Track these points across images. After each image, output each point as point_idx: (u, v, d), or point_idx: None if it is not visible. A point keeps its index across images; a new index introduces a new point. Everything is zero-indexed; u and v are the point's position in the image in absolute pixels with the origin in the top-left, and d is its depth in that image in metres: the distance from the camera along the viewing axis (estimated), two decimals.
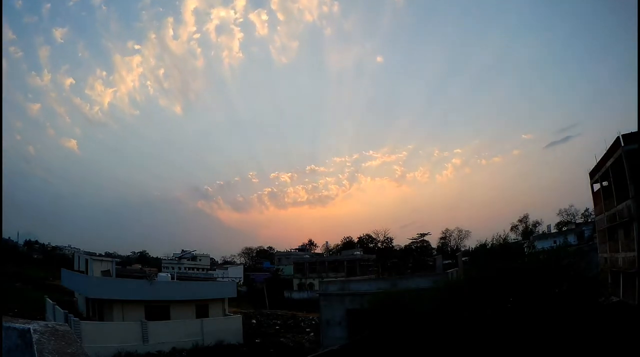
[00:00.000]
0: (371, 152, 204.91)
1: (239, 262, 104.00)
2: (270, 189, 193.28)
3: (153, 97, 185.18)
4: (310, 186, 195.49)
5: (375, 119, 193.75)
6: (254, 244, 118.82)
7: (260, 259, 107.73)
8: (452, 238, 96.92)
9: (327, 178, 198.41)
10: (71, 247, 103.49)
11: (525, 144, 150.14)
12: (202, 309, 26.99)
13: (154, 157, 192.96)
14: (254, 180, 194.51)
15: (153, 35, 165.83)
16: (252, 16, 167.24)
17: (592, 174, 27.25)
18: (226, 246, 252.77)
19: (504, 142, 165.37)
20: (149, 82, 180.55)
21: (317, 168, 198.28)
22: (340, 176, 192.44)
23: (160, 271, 54.43)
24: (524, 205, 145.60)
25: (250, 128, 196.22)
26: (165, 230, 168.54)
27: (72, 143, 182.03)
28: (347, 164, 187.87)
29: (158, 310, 24.65)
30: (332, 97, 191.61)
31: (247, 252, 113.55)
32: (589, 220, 63.09)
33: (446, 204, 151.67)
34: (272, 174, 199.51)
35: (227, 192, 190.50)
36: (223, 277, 62.13)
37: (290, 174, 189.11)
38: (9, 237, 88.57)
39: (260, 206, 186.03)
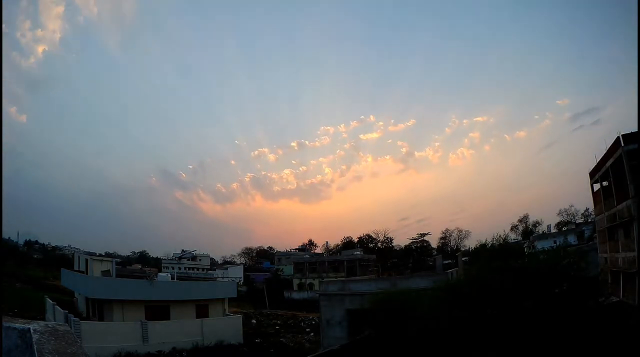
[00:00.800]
0: (372, 117, 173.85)
1: (239, 262, 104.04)
2: (252, 175, 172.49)
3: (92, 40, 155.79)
4: (300, 169, 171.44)
5: (375, 76, 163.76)
6: (249, 243, 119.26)
7: (260, 259, 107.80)
8: (452, 238, 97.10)
9: (319, 158, 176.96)
10: (71, 247, 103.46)
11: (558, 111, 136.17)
12: (202, 309, 26.99)
13: (112, 133, 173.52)
14: (232, 162, 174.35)
15: None
16: None
17: (592, 174, 27.25)
18: (223, 245, 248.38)
19: (532, 111, 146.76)
20: (90, 30, 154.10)
21: (305, 142, 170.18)
22: (335, 155, 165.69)
23: (160, 271, 54.41)
24: (536, 194, 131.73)
25: (216, 90, 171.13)
26: (163, 229, 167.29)
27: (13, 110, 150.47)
28: (343, 135, 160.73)
29: (158, 310, 24.64)
30: (320, 48, 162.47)
31: (247, 252, 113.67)
32: (589, 220, 63.08)
33: (459, 197, 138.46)
34: (252, 153, 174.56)
35: (204, 180, 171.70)
36: (223, 277, 62.15)
37: (274, 154, 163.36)
38: (9, 237, 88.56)
39: (245, 196, 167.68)
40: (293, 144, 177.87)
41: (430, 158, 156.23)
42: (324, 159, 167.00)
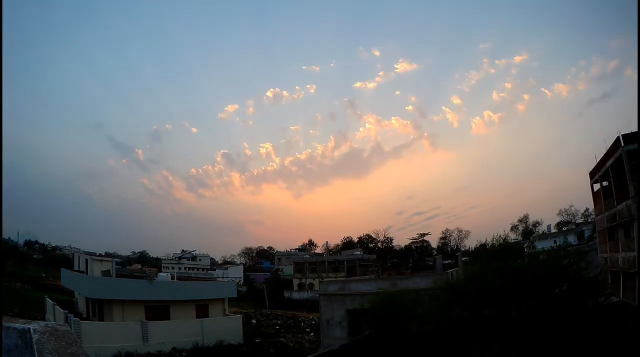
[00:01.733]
0: (364, 54, 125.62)
1: (239, 262, 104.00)
2: (225, 151, 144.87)
3: None
4: (282, 141, 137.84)
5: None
6: (243, 241, 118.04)
7: (260, 259, 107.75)
8: (452, 238, 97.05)
9: (302, 129, 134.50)
10: (71, 247, 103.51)
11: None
12: (202, 309, 26.98)
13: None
14: (193, 129, 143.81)
15: None
16: None
17: (592, 174, 27.26)
18: (223, 245, 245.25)
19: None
20: None
21: (281, 93, 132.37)
22: (320, 115, 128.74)
23: (160, 271, 54.41)
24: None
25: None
26: (163, 229, 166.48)
27: None
28: (330, 78, 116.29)
29: (158, 310, 24.64)
30: None
31: (247, 252, 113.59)
32: (589, 220, 63.09)
33: (479, 181, 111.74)
34: (220, 114, 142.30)
35: (166, 157, 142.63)
36: (223, 277, 62.12)
37: (242, 120, 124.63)
38: (9, 237, 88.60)
39: (221, 180, 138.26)
40: (267, 96, 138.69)
41: (450, 120, 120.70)
42: (307, 128, 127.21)
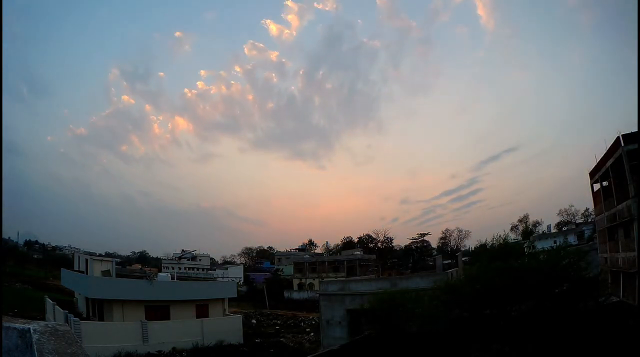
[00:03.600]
0: None
1: (239, 262, 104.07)
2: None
3: None
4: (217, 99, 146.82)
5: None
6: (249, 243, 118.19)
7: (260, 259, 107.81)
8: (452, 238, 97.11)
9: None
10: (71, 247, 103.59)
11: None
12: (202, 309, 26.99)
13: None
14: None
15: None
16: None
17: (592, 174, 27.26)
18: (223, 245, 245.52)
19: None
20: None
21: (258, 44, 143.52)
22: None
23: (160, 271, 54.47)
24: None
25: None
26: (164, 229, 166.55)
27: None
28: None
29: (158, 310, 24.65)
30: None
31: (247, 252, 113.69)
32: (589, 220, 63.09)
33: None
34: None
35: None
36: (223, 277, 62.15)
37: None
38: (9, 237, 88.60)
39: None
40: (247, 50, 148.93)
41: None
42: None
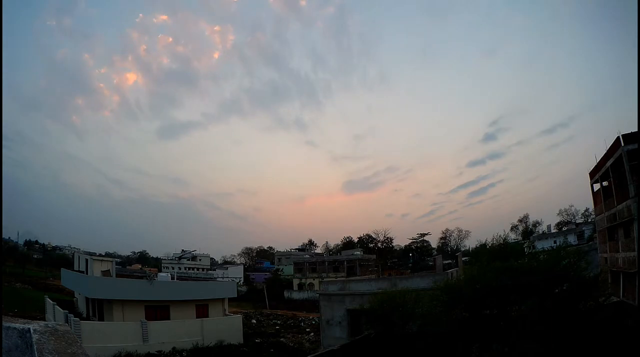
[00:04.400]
0: None
1: (239, 262, 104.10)
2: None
3: None
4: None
5: None
6: (247, 240, 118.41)
7: (260, 259, 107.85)
8: (452, 238, 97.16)
9: None
10: (71, 247, 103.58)
11: None
12: (202, 309, 26.98)
13: None
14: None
15: None
16: None
17: (592, 174, 27.26)
18: (223, 245, 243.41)
19: None
20: None
21: None
22: None
23: (160, 271, 54.48)
24: None
25: None
26: (165, 229, 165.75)
27: None
28: None
29: (158, 310, 24.65)
30: None
31: (247, 252, 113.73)
32: (589, 220, 63.11)
33: None
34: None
35: None
36: (223, 277, 62.14)
37: None
38: (9, 237, 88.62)
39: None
40: None
41: None
42: None
